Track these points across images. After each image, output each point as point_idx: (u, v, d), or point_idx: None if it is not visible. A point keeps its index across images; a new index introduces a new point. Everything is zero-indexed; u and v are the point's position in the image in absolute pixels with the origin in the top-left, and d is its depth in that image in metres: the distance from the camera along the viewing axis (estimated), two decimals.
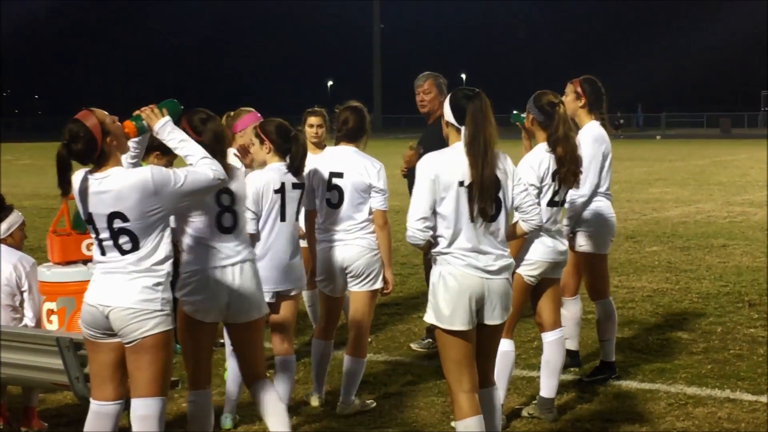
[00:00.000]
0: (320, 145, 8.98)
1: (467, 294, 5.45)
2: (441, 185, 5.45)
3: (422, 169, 5.52)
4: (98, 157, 5.21)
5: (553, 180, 6.81)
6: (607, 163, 7.94)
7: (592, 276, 8.04)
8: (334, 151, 7.45)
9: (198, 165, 5.31)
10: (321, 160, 7.44)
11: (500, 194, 5.54)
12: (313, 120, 8.90)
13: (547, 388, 7.08)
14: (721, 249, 15.09)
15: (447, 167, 5.48)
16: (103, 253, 5.24)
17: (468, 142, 5.46)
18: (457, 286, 5.45)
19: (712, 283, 12.24)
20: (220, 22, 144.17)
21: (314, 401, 7.53)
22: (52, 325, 7.50)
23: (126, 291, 5.16)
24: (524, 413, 7.13)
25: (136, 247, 5.17)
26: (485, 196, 5.43)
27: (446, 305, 5.46)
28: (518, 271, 6.80)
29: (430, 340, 8.96)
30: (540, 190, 6.76)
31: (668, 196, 23.88)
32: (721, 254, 14.57)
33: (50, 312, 7.51)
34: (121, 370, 5.33)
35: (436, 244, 5.52)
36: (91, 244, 7.69)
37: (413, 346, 9.23)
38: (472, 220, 5.45)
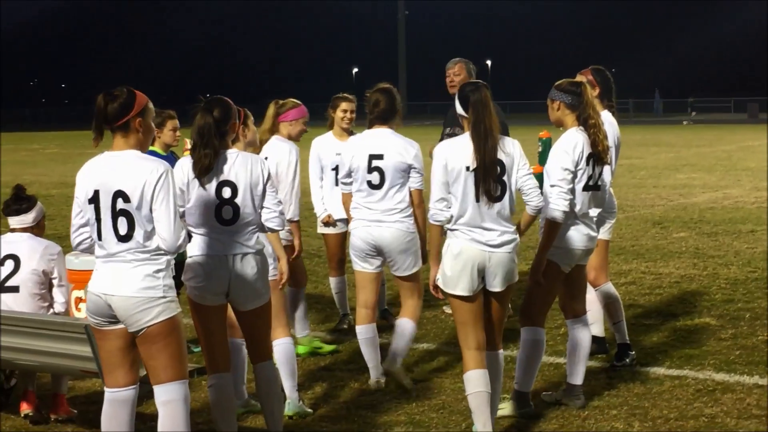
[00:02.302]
0: (349, 131, 9.01)
1: (470, 264, 6.14)
2: (451, 170, 6.15)
3: (437, 156, 6.25)
4: (119, 126, 5.28)
5: (587, 164, 6.80)
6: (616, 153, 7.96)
7: (596, 261, 7.97)
8: (371, 133, 7.57)
9: (176, 224, 5.24)
10: (359, 143, 7.53)
11: (504, 177, 6.18)
12: (346, 105, 8.97)
13: (574, 375, 7.06)
14: (749, 234, 15.00)
15: (456, 155, 6.17)
16: (100, 238, 5.28)
17: (471, 128, 6.16)
18: (461, 256, 6.14)
19: (740, 268, 12.17)
20: (245, 10, 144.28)
21: (377, 384, 7.58)
22: (81, 313, 7.54)
23: (127, 279, 5.22)
24: (552, 400, 7.12)
25: (131, 232, 5.21)
26: (489, 179, 6.10)
27: (451, 272, 6.17)
28: (554, 259, 6.79)
29: None
30: (575, 174, 6.74)
31: (695, 182, 23.76)
32: (749, 240, 14.48)
33: (78, 300, 7.55)
34: (130, 356, 5.37)
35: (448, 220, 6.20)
36: None
37: (447, 309, 9.50)
38: (477, 200, 6.11)
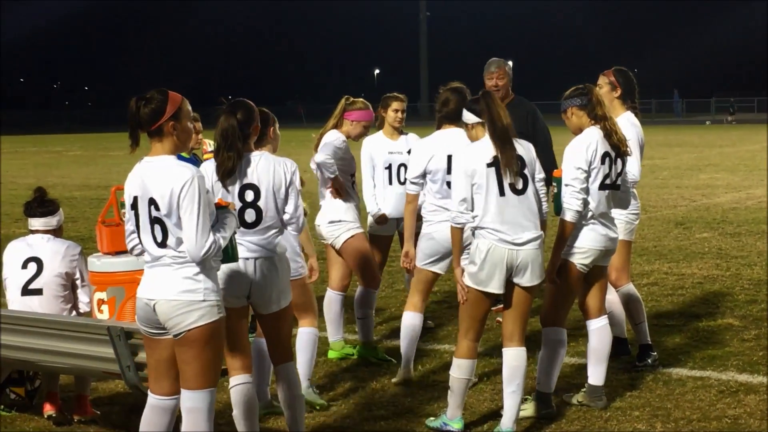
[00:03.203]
0: (399, 130, 8.99)
1: (499, 263, 6.33)
2: (471, 170, 6.32)
3: (456, 161, 6.48)
4: (153, 131, 5.25)
5: (603, 162, 6.79)
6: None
7: (618, 262, 7.95)
8: (445, 134, 7.63)
9: (212, 233, 5.22)
10: (434, 144, 7.63)
11: (526, 171, 6.38)
12: (397, 105, 8.95)
13: (595, 376, 7.05)
14: None
15: (474, 156, 6.38)
16: (142, 244, 5.30)
17: (490, 127, 6.38)
18: (491, 257, 6.33)
19: (764, 269, 12.11)
20: (266, 13, 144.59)
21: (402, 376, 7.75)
22: (103, 315, 7.57)
23: (168, 283, 5.20)
24: (574, 401, 7.11)
25: (165, 239, 5.19)
26: (510, 171, 6.30)
27: (482, 271, 6.35)
28: (571, 259, 6.80)
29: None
30: (588, 173, 6.74)
31: (718, 182, 23.66)
32: None
33: (101, 302, 7.58)
34: (177, 366, 5.34)
35: (473, 220, 6.38)
36: None
37: (501, 319, 9.44)
38: (502, 194, 6.31)
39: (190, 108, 5.41)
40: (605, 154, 6.80)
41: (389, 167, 8.87)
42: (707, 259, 12.93)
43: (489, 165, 6.31)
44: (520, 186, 6.34)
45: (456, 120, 7.45)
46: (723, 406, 7.00)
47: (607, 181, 6.85)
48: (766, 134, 46.96)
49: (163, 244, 5.21)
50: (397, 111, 8.95)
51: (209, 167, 5.97)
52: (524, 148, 6.47)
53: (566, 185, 6.73)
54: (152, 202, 5.19)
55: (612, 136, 6.82)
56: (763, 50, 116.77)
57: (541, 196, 6.53)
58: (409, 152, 8.83)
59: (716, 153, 34.65)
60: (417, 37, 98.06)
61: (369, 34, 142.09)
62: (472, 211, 6.36)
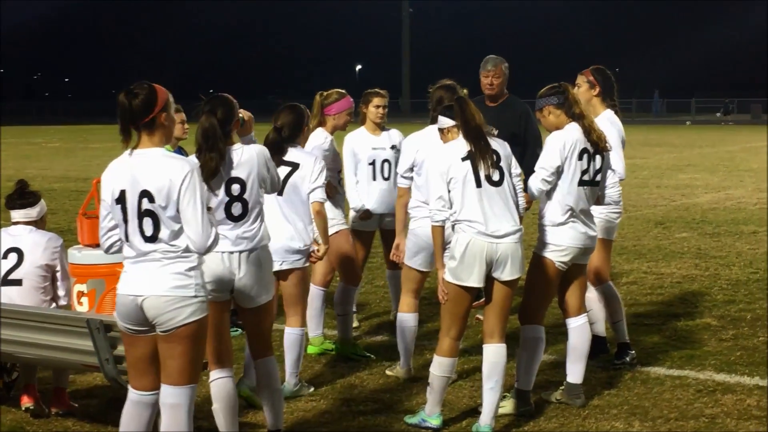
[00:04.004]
0: (381, 126, 8.98)
1: (479, 256, 6.34)
2: (447, 168, 6.39)
3: (430, 161, 6.59)
4: (145, 124, 5.20)
5: (580, 158, 6.81)
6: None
7: (598, 261, 7.97)
8: (435, 129, 7.61)
9: (211, 225, 5.23)
10: (425, 139, 7.67)
11: (502, 164, 6.44)
12: (378, 101, 8.94)
13: (574, 374, 7.07)
14: (751, 235, 15.00)
15: (448, 153, 6.46)
16: (127, 239, 5.22)
17: (463, 127, 6.47)
18: (470, 250, 6.35)
19: (742, 269, 12.17)
20: (249, 7, 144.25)
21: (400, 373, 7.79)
22: (83, 307, 7.55)
23: (158, 278, 5.15)
24: (552, 399, 7.13)
25: (156, 233, 5.14)
26: (486, 163, 6.37)
27: (462, 265, 6.36)
28: (549, 256, 6.82)
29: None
30: (560, 169, 6.80)
31: (698, 182, 23.76)
32: (751, 241, 14.48)
33: (80, 294, 7.56)
34: (157, 362, 5.31)
35: (452, 215, 6.42)
36: None
37: (480, 317, 9.44)
38: (479, 185, 6.36)
39: (173, 101, 5.40)
40: (583, 150, 6.82)
41: (373, 163, 8.89)
42: (686, 259, 12.98)
43: (464, 159, 6.39)
44: (496, 178, 6.40)
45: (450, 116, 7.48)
46: (700, 405, 7.03)
47: (585, 177, 6.87)
48: (747, 135, 47.18)
49: (152, 239, 5.15)
50: (378, 107, 8.94)
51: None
52: (499, 144, 6.55)
53: (536, 169, 6.84)
54: (145, 194, 5.13)
55: (591, 133, 6.85)
56: (745, 52, 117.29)
57: (519, 191, 6.58)
58: (392, 147, 8.86)
59: (696, 153, 34.78)
60: (399, 32, 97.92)
61: (351, 30, 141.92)
62: (450, 208, 6.42)
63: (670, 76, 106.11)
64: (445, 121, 6.74)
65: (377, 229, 9.08)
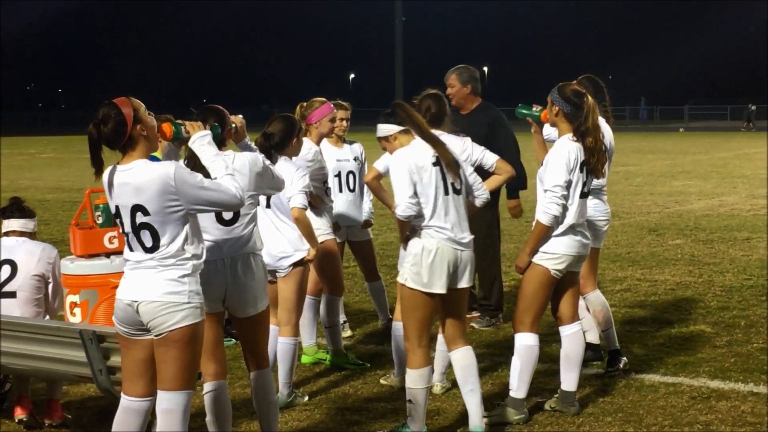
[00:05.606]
0: (343, 139, 9.02)
1: (446, 262, 6.30)
2: (418, 169, 6.30)
3: (398, 161, 6.37)
4: (125, 143, 5.22)
5: (581, 171, 6.80)
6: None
7: (584, 269, 7.95)
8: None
9: (223, 179, 5.32)
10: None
11: (461, 173, 6.45)
12: (341, 114, 8.93)
13: (568, 382, 7.07)
14: (744, 242, 15.01)
15: (418, 154, 6.36)
16: (130, 249, 5.28)
17: (417, 132, 6.43)
18: (438, 256, 6.29)
19: (736, 276, 12.18)
20: (243, 16, 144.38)
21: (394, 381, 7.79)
22: (75, 318, 7.54)
23: (152, 284, 5.19)
24: (546, 407, 7.12)
25: (156, 243, 5.18)
26: (453, 172, 6.37)
27: (427, 273, 6.29)
28: (544, 264, 6.80)
29: (488, 317, 9.69)
30: (570, 183, 6.74)
31: (691, 189, 23.78)
32: (745, 247, 14.50)
33: (73, 305, 7.55)
34: (153, 368, 5.32)
35: (419, 218, 6.32)
36: (114, 237, 7.79)
37: (475, 325, 9.59)
38: (446, 193, 6.34)
39: (141, 103, 5.35)
40: (583, 163, 6.81)
41: (338, 175, 8.95)
42: (680, 266, 12.99)
43: (434, 164, 6.35)
44: (459, 186, 6.44)
45: (439, 124, 7.47)
46: (695, 412, 7.03)
47: (585, 189, 6.88)
48: (739, 142, 47.26)
49: (153, 249, 5.20)
50: (342, 120, 8.97)
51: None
52: (453, 146, 6.57)
53: (546, 191, 6.73)
54: (138, 208, 5.17)
55: (590, 158, 6.82)
56: (737, 59, 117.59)
57: (479, 184, 6.61)
58: (355, 159, 8.97)
59: (689, 160, 34.82)
60: (393, 41, 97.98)
61: (344, 38, 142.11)
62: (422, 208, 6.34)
63: (663, 83, 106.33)
64: (390, 128, 6.68)
65: (345, 241, 9.12)
